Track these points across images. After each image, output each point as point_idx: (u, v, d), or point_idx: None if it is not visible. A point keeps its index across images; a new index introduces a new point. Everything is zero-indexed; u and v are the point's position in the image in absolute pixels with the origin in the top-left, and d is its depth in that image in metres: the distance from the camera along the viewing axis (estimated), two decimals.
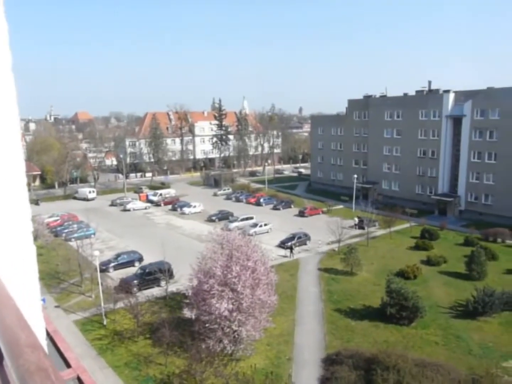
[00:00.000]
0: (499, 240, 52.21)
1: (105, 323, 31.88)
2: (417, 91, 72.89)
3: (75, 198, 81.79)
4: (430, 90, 72.07)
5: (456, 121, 65.17)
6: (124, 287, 35.41)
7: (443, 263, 44.82)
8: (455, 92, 65.92)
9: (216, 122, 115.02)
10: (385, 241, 53.77)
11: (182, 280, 34.99)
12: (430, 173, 68.64)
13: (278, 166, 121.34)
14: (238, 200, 79.01)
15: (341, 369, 25.14)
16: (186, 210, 69.14)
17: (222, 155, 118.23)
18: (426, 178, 69.29)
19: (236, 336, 26.63)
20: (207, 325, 26.40)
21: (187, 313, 26.95)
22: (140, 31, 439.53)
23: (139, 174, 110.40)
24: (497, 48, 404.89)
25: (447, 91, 66.65)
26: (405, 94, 74.28)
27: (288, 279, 40.47)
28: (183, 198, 78.79)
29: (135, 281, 37.64)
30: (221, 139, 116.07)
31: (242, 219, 60.34)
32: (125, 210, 71.95)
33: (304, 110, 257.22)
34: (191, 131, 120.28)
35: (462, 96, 64.38)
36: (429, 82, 73.58)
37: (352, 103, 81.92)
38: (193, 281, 27.80)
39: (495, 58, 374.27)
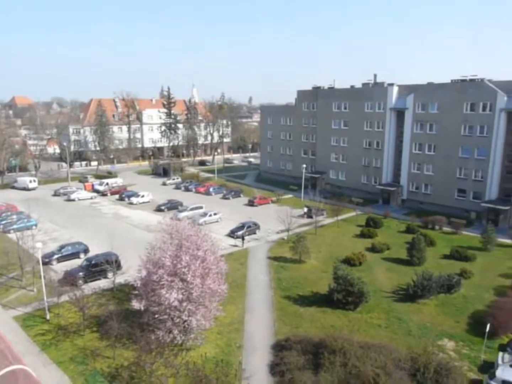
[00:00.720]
0: (437, 227, 55.28)
1: (48, 317, 30.66)
2: (363, 84, 75.03)
3: (13, 187, 77.53)
4: (375, 83, 74.43)
5: (400, 113, 67.83)
6: (69, 279, 34.17)
7: (387, 250, 46.86)
8: (399, 85, 68.47)
9: (165, 110, 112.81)
10: (332, 229, 55.33)
11: (131, 271, 34.31)
12: (375, 163, 71.13)
13: (228, 156, 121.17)
14: (187, 189, 78.37)
15: (290, 354, 25.77)
16: (134, 200, 67.55)
17: (171, 144, 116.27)
18: (371, 168, 71.78)
19: (186, 326, 26.53)
20: (156, 316, 26.09)
21: (136, 304, 26.47)
22: (84, 12, 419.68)
23: (84, 163, 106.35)
24: (439, 42, 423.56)
25: (391, 85, 69.09)
26: (352, 86, 76.25)
27: (238, 268, 40.75)
28: (130, 188, 76.90)
29: (81, 273, 36.43)
30: (170, 128, 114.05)
31: (192, 209, 59.95)
32: (69, 200, 69.17)
33: (254, 100, 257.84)
34: (139, 119, 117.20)
35: (405, 90, 67.04)
36: (375, 76, 76.07)
37: (301, 94, 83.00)
38: (141, 272, 27.27)
39: (438, 53, 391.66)
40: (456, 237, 52.26)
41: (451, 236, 52.47)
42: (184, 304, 25.66)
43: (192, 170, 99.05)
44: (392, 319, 31.90)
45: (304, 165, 75.21)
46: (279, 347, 27.41)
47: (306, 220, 58.43)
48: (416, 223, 55.76)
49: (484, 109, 57.66)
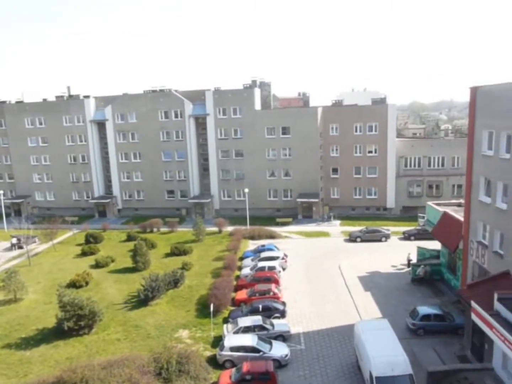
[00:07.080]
0: (155, 229, 58.38)
1: None
2: (57, 97, 71.22)
3: None
4: (70, 96, 71.89)
5: (100, 125, 67.80)
6: None
7: (112, 263, 46.38)
8: (96, 97, 68.23)
9: None
10: (49, 255, 50.80)
11: None
12: (84, 178, 69.09)
13: None
14: None
15: None
16: None
17: None
18: (81, 183, 69.30)
19: None
20: None
21: None
22: None
23: None
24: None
25: (87, 97, 68.21)
26: (45, 100, 71.35)
27: None
28: None
29: None
30: None
31: None
32: None
33: None
34: None
35: (102, 101, 67.44)
36: (68, 88, 73.47)
37: None
38: None
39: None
40: (173, 235, 56.45)
41: (169, 235, 56.37)
42: None
43: None
44: (130, 328, 31.98)
45: (2, 191, 65.97)
46: None
47: (16, 252, 51.67)
48: (136, 230, 57.31)
49: (176, 116, 64.15)
